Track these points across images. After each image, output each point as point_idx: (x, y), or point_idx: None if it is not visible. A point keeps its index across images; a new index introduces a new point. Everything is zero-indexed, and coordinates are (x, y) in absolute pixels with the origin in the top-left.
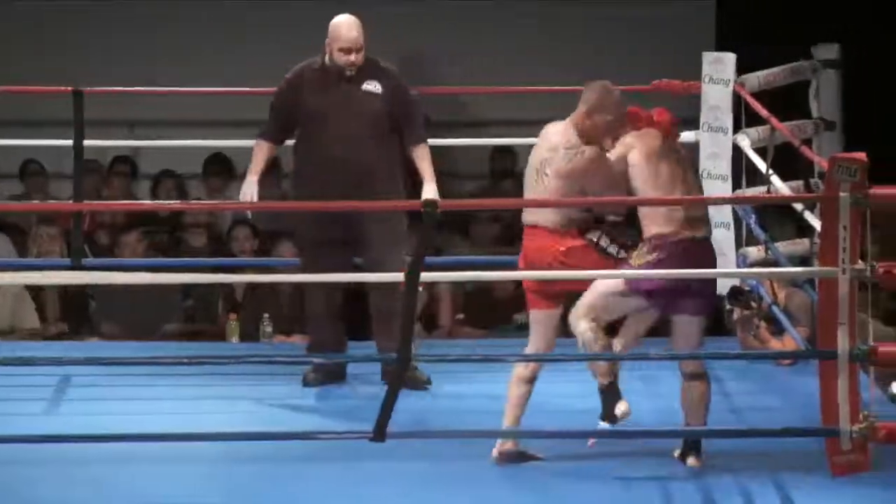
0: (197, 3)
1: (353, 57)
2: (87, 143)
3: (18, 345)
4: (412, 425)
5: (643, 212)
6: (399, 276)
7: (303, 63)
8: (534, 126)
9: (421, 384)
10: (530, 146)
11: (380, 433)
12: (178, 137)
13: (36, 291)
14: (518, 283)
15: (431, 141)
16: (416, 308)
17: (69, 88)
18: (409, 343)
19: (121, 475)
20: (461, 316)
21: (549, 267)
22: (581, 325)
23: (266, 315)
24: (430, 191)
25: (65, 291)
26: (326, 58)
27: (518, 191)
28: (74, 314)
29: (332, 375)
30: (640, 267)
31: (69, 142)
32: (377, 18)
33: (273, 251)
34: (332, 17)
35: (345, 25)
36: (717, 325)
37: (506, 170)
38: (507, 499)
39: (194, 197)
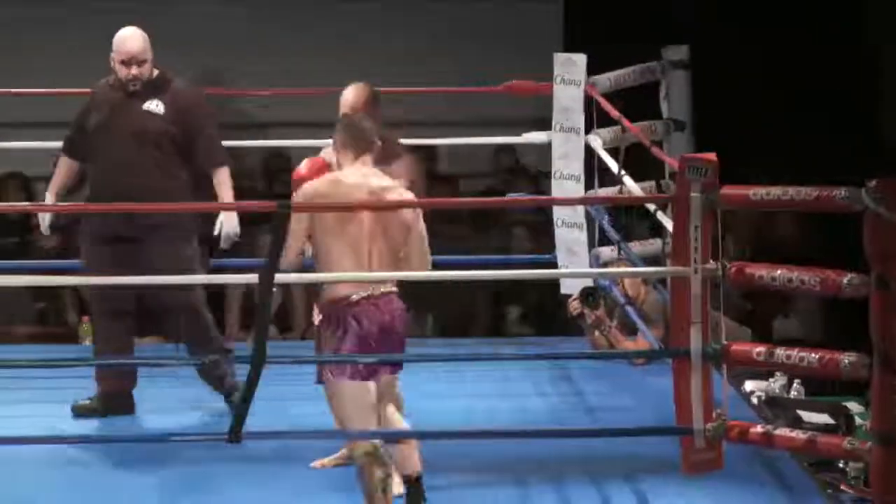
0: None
1: (133, 70)
2: None
3: None
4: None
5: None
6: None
7: (105, 78)
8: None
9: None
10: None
11: (236, 435)
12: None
13: None
14: None
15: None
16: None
17: None
18: (263, 342)
19: None
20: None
21: None
22: (356, 451)
23: None
24: (228, 221)
25: None
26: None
27: None
28: None
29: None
30: (333, 349)
31: None
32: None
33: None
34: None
35: (125, 37)
36: (568, 325)
37: None
38: None
39: (42, 198)
